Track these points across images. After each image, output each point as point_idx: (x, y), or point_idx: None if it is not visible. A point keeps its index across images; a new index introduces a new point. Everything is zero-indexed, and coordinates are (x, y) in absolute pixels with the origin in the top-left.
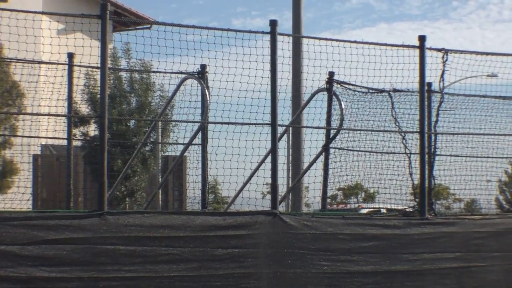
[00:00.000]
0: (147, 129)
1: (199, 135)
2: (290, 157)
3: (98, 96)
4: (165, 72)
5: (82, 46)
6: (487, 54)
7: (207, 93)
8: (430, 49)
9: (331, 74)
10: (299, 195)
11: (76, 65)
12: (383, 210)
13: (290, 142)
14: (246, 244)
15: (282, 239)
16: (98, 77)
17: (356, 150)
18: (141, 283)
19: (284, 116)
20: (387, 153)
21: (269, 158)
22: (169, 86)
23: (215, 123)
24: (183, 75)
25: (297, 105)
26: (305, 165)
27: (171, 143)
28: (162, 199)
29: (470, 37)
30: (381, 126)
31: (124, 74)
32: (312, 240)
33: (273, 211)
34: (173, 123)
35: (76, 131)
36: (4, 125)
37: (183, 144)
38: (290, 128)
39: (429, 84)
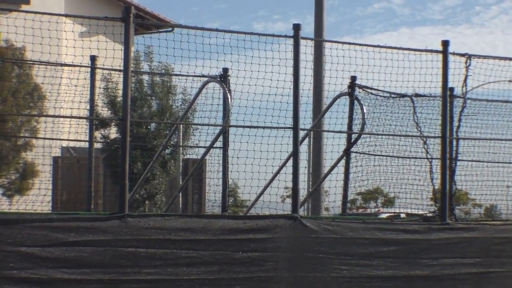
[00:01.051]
0: (167, 132)
1: (220, 138)
2: (311, 161)
3: (118, 99)
4: (187, 76)
5: (105, 49)
6: (510, 59)
7: (229, 96)
8: (454, 54)
9: (353, 78)
10: (319, 199)
11: (98, 68)
12: (403, 215)
13: (311, 146)
14: (266, 247)
15: (302, 243)
16: (116, 79)
17: (377, 155)
18: (161, 286)
19: (306, 120)
20: (409, 158)
21: (290, 162)
22: (191, 90)
23: (236, 126)
24: (205, 79)
25: (319, 109)
26: (326, 169)
27: (192, 146)
28: (182, 202)
29: (492, 42)
30: (403, 131)
31: (145, 77)
32: (332, 244)
33: (293, 215)
34: (194, 126)
35: (97, 134)
36: (26, 127)
37: (204, 147)
38: (312, 132)
39: (452, 89)
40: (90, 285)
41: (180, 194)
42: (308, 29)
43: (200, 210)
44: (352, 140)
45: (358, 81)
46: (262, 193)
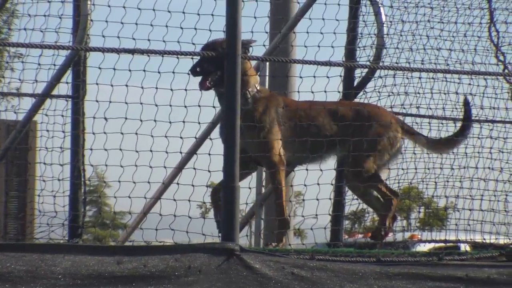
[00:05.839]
0: None
1: (68, 76)
2: None
3: None
4: None
5: None
6: None
7: None
8: None
9: None
10: None
11: None
12: (465, 247)
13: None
14: None
15: None
16: None
17: (409, 115)
18: None
19: (257, 38)
20: (477, 121)
21: (217, 129)
22: None
23: (103, 51)
24: None
25: (284, 15)
26: None
27: (8, 94)
28: None
29: None
30: (465, 62)
31: None
32: None
33: (226, 244)
34: (12, 50)
35: None
36: None
37: (32, 96)
38: (267, 63)
39: None
40: None
41: None
42: None
43: (22, 231)
44: (355, 81)
45: None
46: (159, 197)
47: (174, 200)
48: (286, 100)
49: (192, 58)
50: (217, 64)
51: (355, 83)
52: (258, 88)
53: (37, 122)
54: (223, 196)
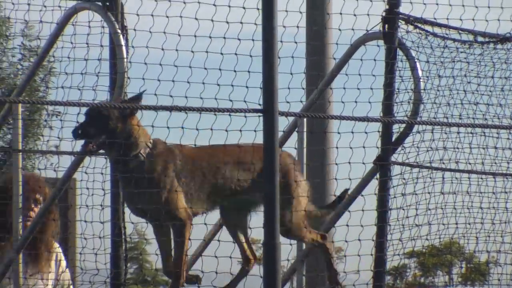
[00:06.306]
0: None
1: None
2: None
3: None
4: None
5: None
6: None
7: (121, 41)
8: None
9: (393, 5)
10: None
11: None
12: None
13: (305, 148)
14: None
15: None
16: None
17: (448, 170)
18: None
19: (294, 94)
20: None
21: None
22: (41, 26)
23: (141, 108)
24: (72, 3)
25: (321, 70)
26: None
27: (44, 152)
28: None
29: None
30: (503, 116)
31: None
32: None
33: None
34: (49, 107)
35: None
36: None
37: (71, 154)
38: (305, 120)
39: None
40: None
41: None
42: None
43: None
44: (393, 137)
45: (403, 10)
46: (200, 254)
47: (216, 256)
48: (184, 150)
49: (230, 115)
50: (101, 127)
51: (393, 139)
52: (151, 145)
53: (76, 180)
54: (264, 254)
